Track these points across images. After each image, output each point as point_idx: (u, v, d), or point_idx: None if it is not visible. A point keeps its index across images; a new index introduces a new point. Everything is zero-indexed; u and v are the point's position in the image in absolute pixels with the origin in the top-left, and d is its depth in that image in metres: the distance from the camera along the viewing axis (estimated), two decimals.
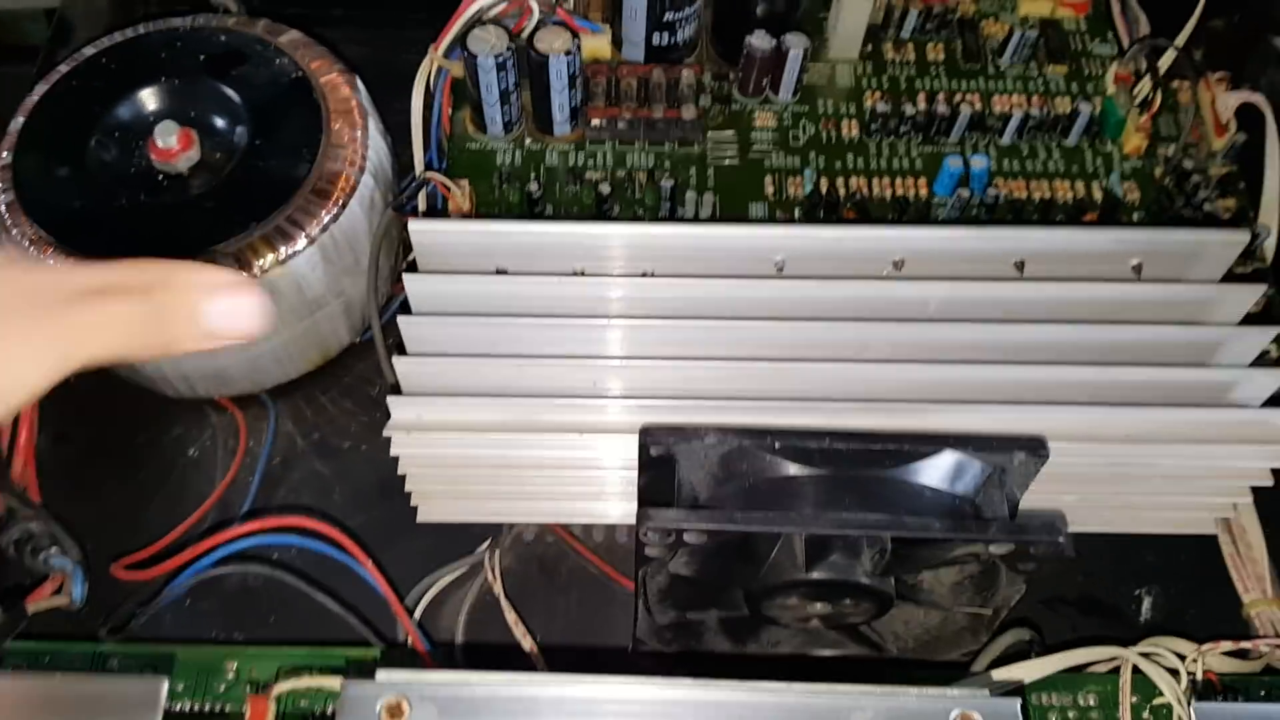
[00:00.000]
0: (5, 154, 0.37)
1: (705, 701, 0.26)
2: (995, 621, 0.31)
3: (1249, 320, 0.33)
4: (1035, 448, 0.28)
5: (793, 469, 0.28)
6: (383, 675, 0.27)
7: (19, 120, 0.37)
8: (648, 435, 0.29)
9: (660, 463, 0.29)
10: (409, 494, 0.34)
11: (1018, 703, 0.26)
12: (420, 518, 0.35)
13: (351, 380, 0.41)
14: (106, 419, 0.40)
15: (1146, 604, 0.37)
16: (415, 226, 0.33)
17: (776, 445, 0.28)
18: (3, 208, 0.35)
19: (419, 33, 0.49)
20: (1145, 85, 0.40)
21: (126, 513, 0.38)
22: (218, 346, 0.24)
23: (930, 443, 0.28)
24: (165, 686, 0.31)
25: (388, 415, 0.34)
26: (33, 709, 0.30)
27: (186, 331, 0.24)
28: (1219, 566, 0.37)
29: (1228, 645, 0.33)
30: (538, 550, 0.38)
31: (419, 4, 0.48)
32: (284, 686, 0.31)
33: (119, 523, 0.37)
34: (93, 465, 0.39)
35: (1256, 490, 0.34)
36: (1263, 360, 0.33)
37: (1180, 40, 0.42)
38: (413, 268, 0.34)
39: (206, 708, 0.32)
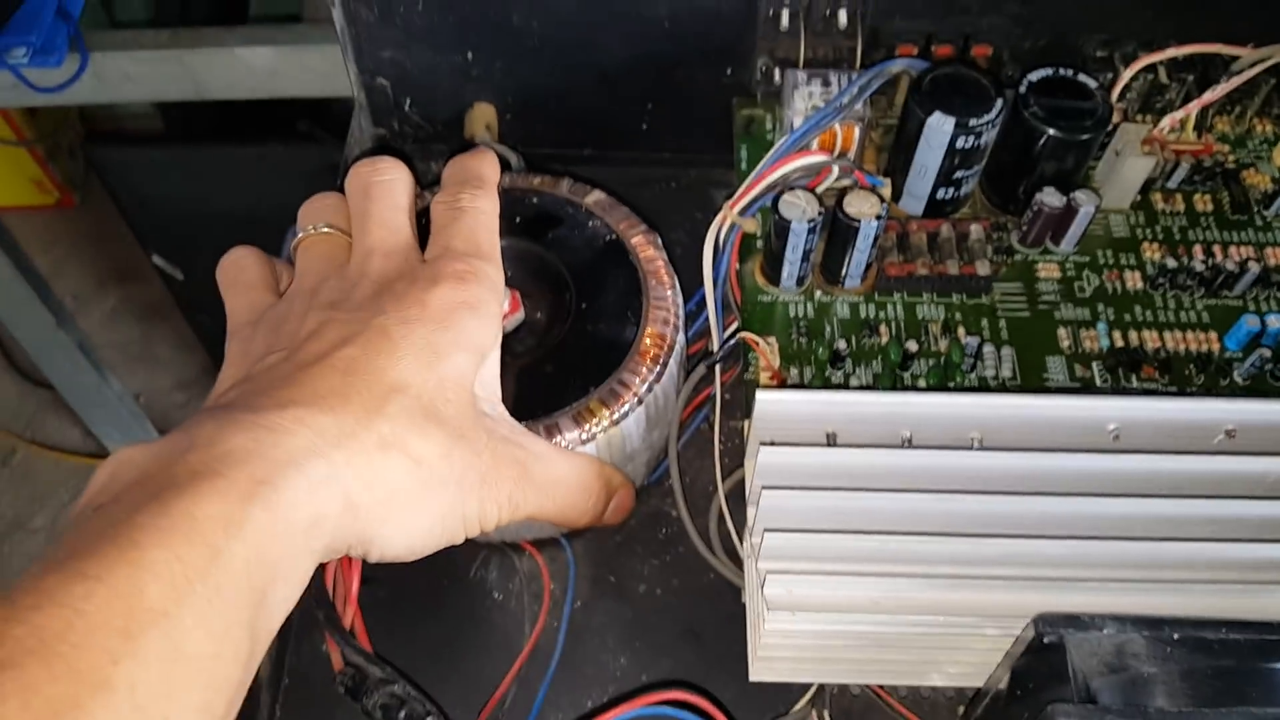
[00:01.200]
0: None
1: None
2: None
3: None
4: None
5: (1191, 661, 0.29)
6: None
7: None
8: (1044, 624, 0.29)
9: (1049, 650, 0.30)
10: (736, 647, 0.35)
11: None
12: (753, 677, 0.36)
13: (637, 523, 0.42)
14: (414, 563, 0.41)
15: None
16: (763, 397, 0.34)
17: (1176, 636, 0.29)
18: None
19: (665, 170, 0.52)
20: None
21: (447, 662, 0.39)
22: None
23: None
24: None
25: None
26: None
27: (595, 518, 0.37)
28: None
29: None
30: (861, 703, 0.38)
31: (666, 145, 0.51)
32: None
33: (451, 675, 0.38)
34: (401, 611, 0.40)
35: None
36: None
37: None
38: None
39: None
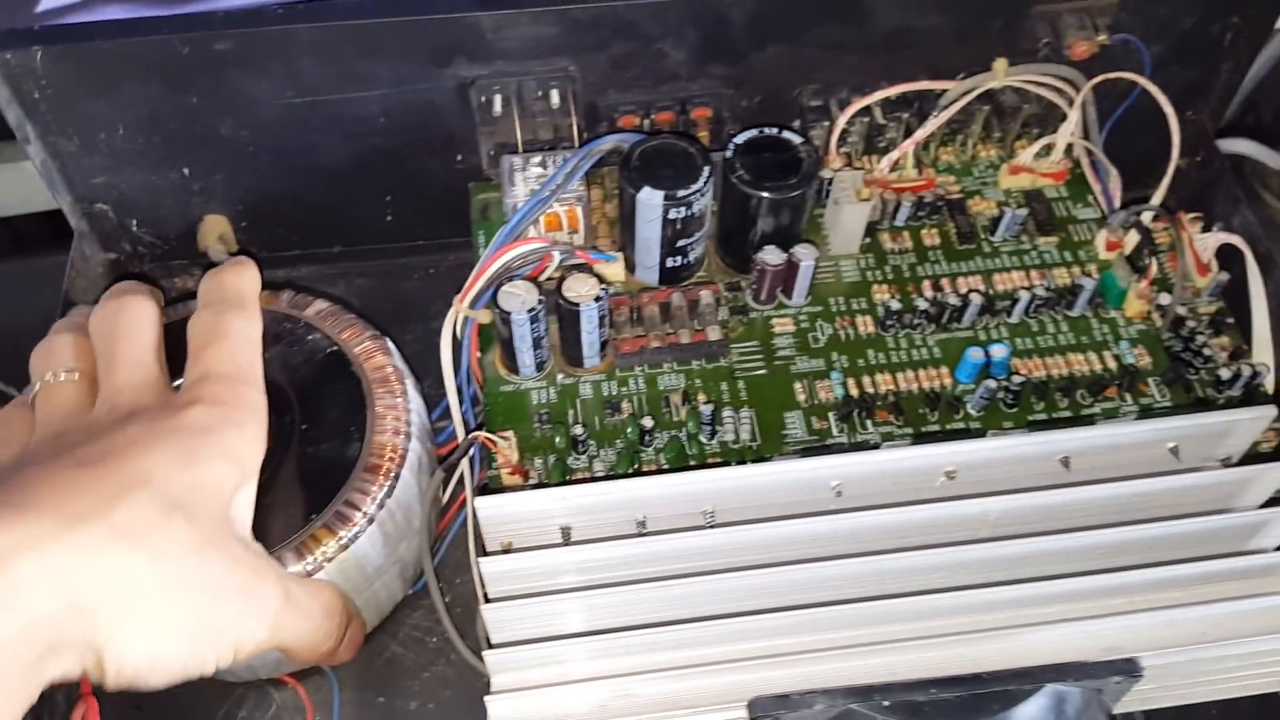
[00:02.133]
0: None
1: None
2: None
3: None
4: (1130, 670, 0.30)
5: None
6: None
7: None
8: (757, 709, 0.29)
9: None
10: None
11: None
12: None
13: (406, 634, 0.41)
14: (166, 706, 0.39)
15: None
16: (482, 504, 0.33)
17: (885, 703, 0.29)
18: None
19: (417, 258, 0.51)
20: (1143, 255, 0.42)
21: None
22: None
23: (1031, 678, 0.29)
24: None
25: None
26: None
27: (331, 653, 0.35)
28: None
29: None
30: None
31: (416, 234, 0.50)
32: None
33: None
34: None
35: None
36: None
37: (1157, 198, 0.44)
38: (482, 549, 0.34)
39: None
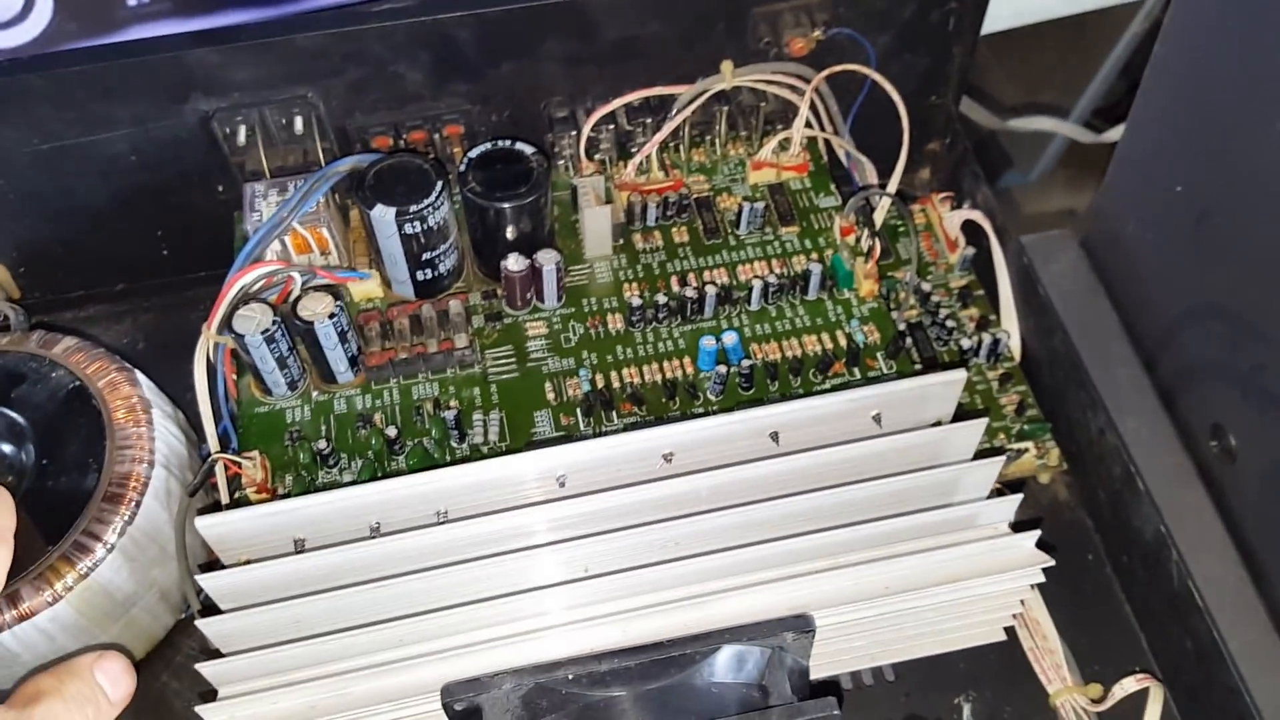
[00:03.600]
0: None
1: None
2: None
3: (979, 455, 0.36)
4: (801, 625, 0.31)
5: (592, 695, 0.30)
6: None
7: None
8: (448, 695, 0.30)
9: (468, 716, 0.31)
10: None
11: None
12: None
13: (181, 660, 0.42)
14: None
15: (967, 711, 0.40)
16: (202, 524, 0.34)
17: (570, 677, 0.30)
18: None
19: (203, 289, 0.51)
20: (864, 236, 0.44)
21: None
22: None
23: (709, 642, 0.31)
24: None
25: None
26: None
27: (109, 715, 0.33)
28: (1024, 660, 0.40)
29: None
30: None
31: (197, 266, 0.50)
32: None
33: None
34: None
35: (1044, 582, 0.37)
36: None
37: (892, 184, 0.47)
38: (213, 563, 0.35)
39: None
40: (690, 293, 0.43)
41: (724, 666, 0.31)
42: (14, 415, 0.39)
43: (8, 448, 0.38)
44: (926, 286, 0.47)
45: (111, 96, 0.42)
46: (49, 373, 0.40)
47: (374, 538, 0.35)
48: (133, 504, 0.37)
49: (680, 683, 0.31)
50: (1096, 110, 0.66)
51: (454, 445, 0.40)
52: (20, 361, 0.40)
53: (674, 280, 0.45)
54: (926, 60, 0.50)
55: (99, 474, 0.37)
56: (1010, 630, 0.39)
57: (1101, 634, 0.42)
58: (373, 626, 0.33)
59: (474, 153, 0.42)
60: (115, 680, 0.34)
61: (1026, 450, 0.44)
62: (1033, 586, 0.37)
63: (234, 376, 0.42)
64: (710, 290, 0.43)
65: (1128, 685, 0.37)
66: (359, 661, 0.32)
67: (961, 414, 0.38)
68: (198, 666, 0.32)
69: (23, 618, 0.35)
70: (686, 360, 0.43)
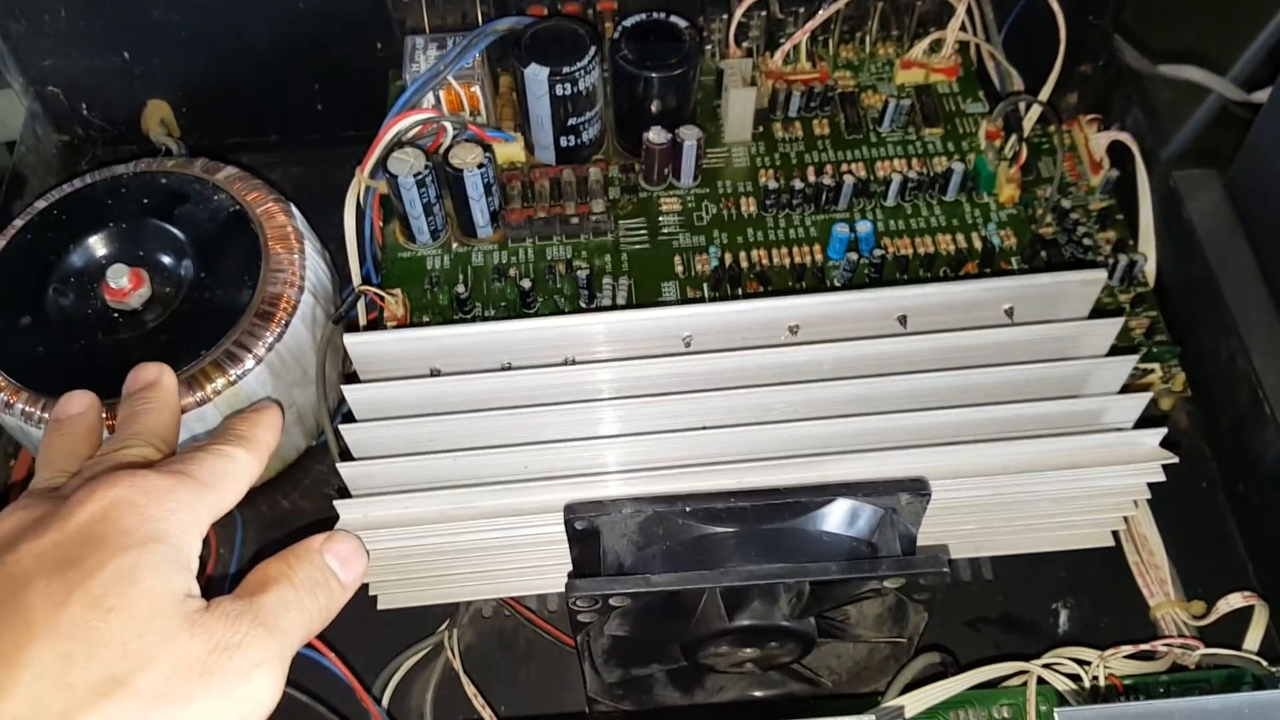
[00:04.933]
0: None
1: None
2: (911, 648, 0.34)
3: (1115, 351, 0.36)
4: (918, 488, 0.32)
5: (705, 529, 0.31)
6: None
7: None
8: (571, 512, 0.31)
9: (586, 535, 0.32)
10: (367, 584, 0.37)
11: None
12: (381, 605, 0.37)
13: (310, 482, 0.44)
14: None
15: (1063, 617, 0.40)
16: (350, 340, 0.36)
17: (687, 509, 0.31)
18: None
19: (351, 149, 0.53)
20: (1011, 141, 0.44)
21: None
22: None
23: (824, 493, 0.32)
24: None
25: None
26: None
27: (341, 598, 0.31)
28: (1127, 573, 0.40)
29: (1128, 649, 0.36)
30: (495, 624, 0.40)
31: (347, 124, 0.52)
32: None
33: None
34: None
35: (1155, 497, 0.37)
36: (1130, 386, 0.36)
37: (1044, 95, 0.46)
38: (355, 377, 0.37)
39: None
40: (827, 180, 0.43)
41: (836, 518, 0.32)
42: (175, 231, 0.41)
43: (168, 259, 0.41)
44: (1066, 204, 0.47)
45: None
46: (210, 195, 0.42)
47: (505, 371, 0.36)
48: (282, 323, 0.39)
49: (792, 527, 0.31)
50: (1252, 72, 0.63)
51: (583, 305, 0.42)
52: (184, 182, 0.42)
53: (810, 171, 0.45)
54: None
55: (253, 291, 0.39)
56: (1117, 541, 0.39)
57: (1207, 558, 0.41)
58: (502, 448, 0.34)
59: (628, 22, 0.43)
60: (346, 561, 0.31)
61: (1152, 372, 0.43)
62: (1146, 498, 0.36)
63: (380, 223, 0.44)
64: (848, 180, 0.43)
65: (1233, 600, 0.37)
66: (487, 478, 0.34)
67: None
68: (338, 465, 0.34)
69: None
70: (816, 248, 0.43)
